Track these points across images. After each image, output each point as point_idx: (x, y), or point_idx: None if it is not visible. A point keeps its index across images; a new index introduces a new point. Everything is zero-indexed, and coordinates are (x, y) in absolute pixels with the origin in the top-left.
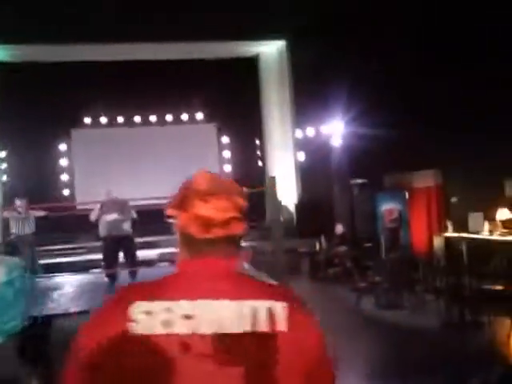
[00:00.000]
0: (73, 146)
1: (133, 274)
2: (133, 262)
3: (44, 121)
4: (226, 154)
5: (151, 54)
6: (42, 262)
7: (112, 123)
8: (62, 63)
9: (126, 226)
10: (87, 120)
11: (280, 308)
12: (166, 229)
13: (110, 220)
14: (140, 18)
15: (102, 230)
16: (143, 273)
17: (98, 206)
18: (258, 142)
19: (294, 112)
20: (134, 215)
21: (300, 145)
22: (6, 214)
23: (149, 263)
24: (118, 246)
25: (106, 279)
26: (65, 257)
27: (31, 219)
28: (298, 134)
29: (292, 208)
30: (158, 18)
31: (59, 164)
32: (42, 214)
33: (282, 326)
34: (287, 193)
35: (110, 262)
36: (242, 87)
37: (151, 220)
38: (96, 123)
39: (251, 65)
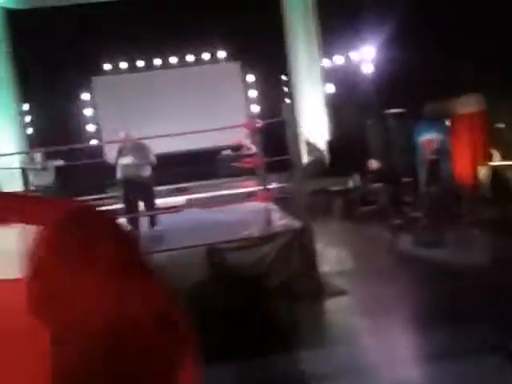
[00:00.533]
0: (95, 95)
1: (152, 221)
2: (151, 210)
3: (64, 70)
4: (252, 93)
5: None
6: None
7: (132, 68)
8: (74, 7)
9: (143, 171)
10: (107, 66)
11: (22, 237)
12: (195, 174)
13: (126, 163)
14: None
15: (118, 174)
16: (169, 218)
17: (117, 148)
18: (284, 77)
19: (321, 40)
20: (153, 159)
21: (329, 76)
22: (24, 166)
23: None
24: (135, 190)
25: (127, 226)
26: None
27: (50, 170)
28: (326, 64)
29: (324, 145)
30: None
31: (83, 114)
32: (60, 163)
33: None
34: (318, 129)
35: (129, 207)
36: (264, 21)
37: (178, 165)
38: (116, 69)
39: None
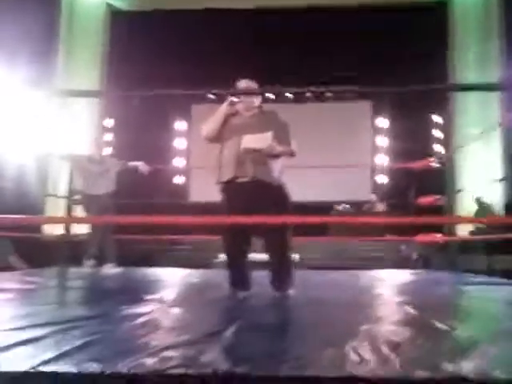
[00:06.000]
0: (192, 125)
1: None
2: (282, 254)
3: (160, 90)
4: (382, 140)
5: None
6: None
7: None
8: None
9: (274, 165)
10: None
11: None
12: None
13: (247, 138)
14: None
15: (224, 161)
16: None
17: (226, 102)
18: (436, 119)
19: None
20: (295, 147)
21: None
22: (72, 164)
23: None
24: (251, 207)
25: (228, 288)
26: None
27: (111, 173)
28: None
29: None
30: None
31: (173, 146)
32: (137, 164)
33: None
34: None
35: (235, 250)
36: (413, 46)
37: None
38: (222, 97)
39: (428, 17)
